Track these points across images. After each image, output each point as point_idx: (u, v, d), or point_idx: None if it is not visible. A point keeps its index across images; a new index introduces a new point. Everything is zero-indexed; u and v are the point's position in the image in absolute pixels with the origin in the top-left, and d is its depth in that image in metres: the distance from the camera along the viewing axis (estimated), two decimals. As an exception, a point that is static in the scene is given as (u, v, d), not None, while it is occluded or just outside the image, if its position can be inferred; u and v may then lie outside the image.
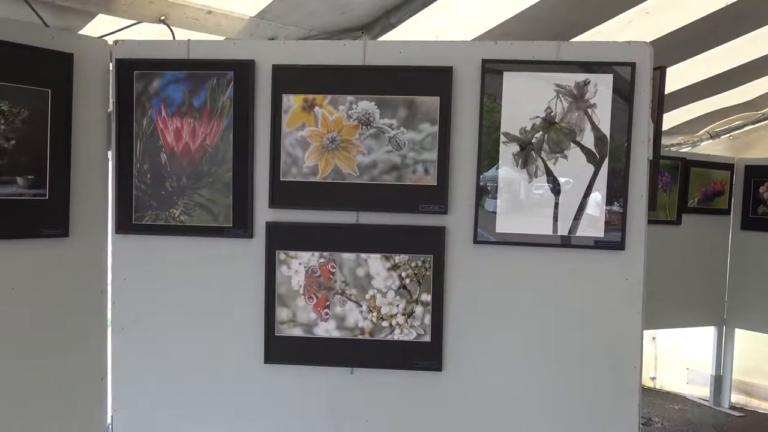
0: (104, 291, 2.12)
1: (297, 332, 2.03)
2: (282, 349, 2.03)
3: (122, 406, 2.11)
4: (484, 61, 1.96)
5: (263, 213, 2.03)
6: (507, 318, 2.01)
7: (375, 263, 2.00)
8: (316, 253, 2.01)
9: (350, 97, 2.00)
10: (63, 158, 1.97)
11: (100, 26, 2.19)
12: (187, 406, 2.10)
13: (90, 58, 2.05)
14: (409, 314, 1.99)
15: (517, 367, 2.02)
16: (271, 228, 2.02)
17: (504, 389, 2.03)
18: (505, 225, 1.98)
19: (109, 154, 2.12)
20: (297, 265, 2.02)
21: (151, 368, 2.10)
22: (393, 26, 2.64)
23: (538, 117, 1.97)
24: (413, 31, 2.73)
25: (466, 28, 2.86)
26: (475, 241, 1.98)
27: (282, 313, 2.03)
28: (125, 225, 2.07)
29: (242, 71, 2.03)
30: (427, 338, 1.99)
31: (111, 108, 2.10)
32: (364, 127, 2.00)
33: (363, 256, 2.00)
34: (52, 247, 1.98)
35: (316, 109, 2.01)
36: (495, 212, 1.97)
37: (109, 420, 2.14)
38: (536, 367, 2.02)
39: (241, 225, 2.03)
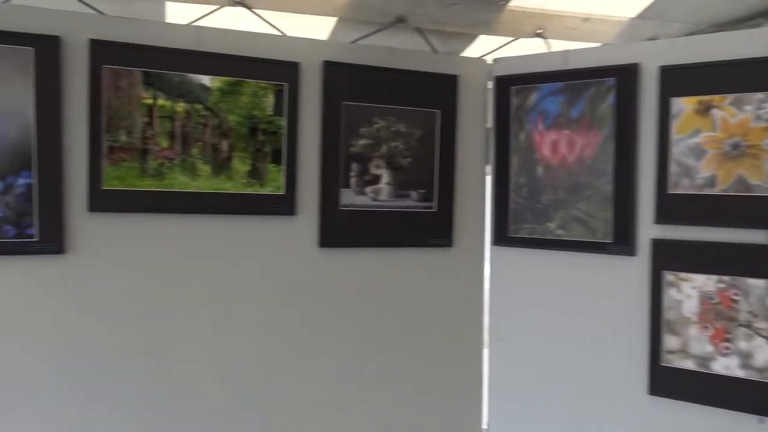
0: (482, 300, 2.20)
1: (688, 365, 1.79)
2: (669, 382, 1.82)
3: (497, 416, 2.16)
4: None
5: (648, 229, 1.86)
6: None
7: (794, 293, 1.65)
8: (714, 277, 1.75)
9: (759, 95, 1.69)
10: (448, 173, 2.10)
11: (480, 47, 2.30)
12: (558, 424, 2.04)
13: (471, 78, 2.15)
14: None
15: None
16: (658, 245, 1.83)
17: None
18: None
19: (487, 168, 2.20)
20: (689, 289, 1.78)
21: (525, 380, 2.10)
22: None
23: None
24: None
25: None
26: None
27: (670, 342, 1.81)
28: (502, 237, 2.11)
29: (625, 76, 1.89)
30: None
31: (489, 124, 2.17)
32: (777, 129, 1.67)
33: (777, 283, 1.67)
34: (438, 256, 2.12)
35: (714, 111, 1.75)
36: None
37: (484, 427, 2.21)
38: None
39: (622, 241, 1.89)
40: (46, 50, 1.63)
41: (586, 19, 2.19)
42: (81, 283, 1.73)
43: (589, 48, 2.05)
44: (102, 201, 1.72)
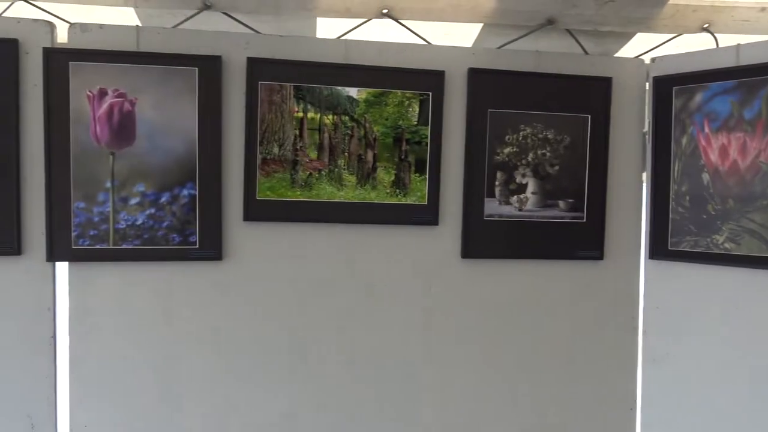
0: (635, 317, 2.05)
1: None
2: None
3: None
4: None
5: (840, 245, 1.63)
6: None
7: None
8: None
9: None
10: (600, 181, 1.98)
11: (637, 46, 2.14)
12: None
13: (626, 80, 2.02)
14: None
15: None
16: None
17: None
18: None
19: (643, 176, 2.05)
20: None
21: (683, 408, 1.93)
22: None
23: None
24: None
25: None
26: None
27: None
28: (660, 250, 1.95)
29: (811, 72, 1.67)
30: None
31: (646, 128, 2.02)
32: None
33: None
34: (587, 269, 2.01)
35: None
36: None
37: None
38: None
39: (806, 259, 1.67)
40: (208, 69, 1.75)
41: (763, 9, 1.96)
42: (236, 288, 1.84)
43: (765, 41, 1.83)
44: (256, 211, 1.81)
